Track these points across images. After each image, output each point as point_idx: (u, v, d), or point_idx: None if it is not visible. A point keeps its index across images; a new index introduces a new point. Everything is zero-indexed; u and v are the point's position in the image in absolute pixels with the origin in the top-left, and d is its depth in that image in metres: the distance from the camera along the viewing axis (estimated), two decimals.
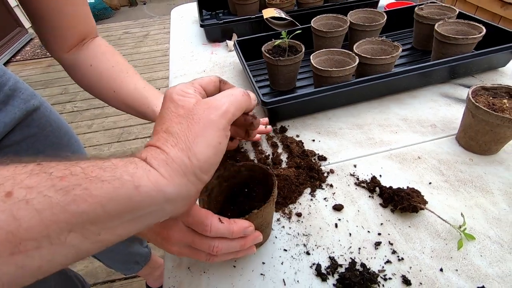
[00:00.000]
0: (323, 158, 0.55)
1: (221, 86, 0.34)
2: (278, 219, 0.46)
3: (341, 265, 0.40)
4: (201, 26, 0.95)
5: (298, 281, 0.39)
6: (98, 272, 1.35)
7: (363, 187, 0.50)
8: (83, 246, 0.20)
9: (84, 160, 0.22)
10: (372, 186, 0.49)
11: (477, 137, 0.50)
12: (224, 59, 0.90)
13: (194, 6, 1.20)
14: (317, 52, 0.66)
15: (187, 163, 0.24)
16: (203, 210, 0.32)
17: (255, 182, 0.43)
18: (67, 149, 0.70)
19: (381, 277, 0.38)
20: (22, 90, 0.59)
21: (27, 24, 3.55)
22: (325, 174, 0.52)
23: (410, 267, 0.39)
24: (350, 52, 0.65)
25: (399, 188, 0.46)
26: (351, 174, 0.52)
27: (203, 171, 0.25)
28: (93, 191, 0.20)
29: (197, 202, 0.34)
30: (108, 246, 0.22)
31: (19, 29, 3.46)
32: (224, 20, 0.95)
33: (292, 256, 0.41)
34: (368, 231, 0.43)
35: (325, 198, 0.48)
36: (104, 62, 0.53)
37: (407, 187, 0.47)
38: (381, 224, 0.44)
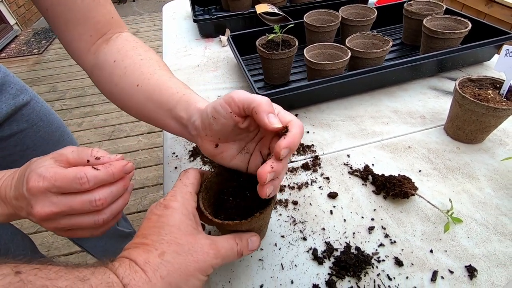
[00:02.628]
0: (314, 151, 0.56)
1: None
2: (275, 208, 0.47)
3: (336, 249, 0.41)
4: (194, 21, 0.95)
5: (296, 265, 0.40)
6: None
7: (357, 175, 0.51)
8: None
9: (64, 279, 0.23)
10: (365, 174, 0.51)
11: (464, 127, 0.53)
12: (218, 54, 0.90)
13: (186, 2, 1.20)
14: (310, 46, 0.68)
15: None
16: (70, 168, 0.30)
17: (254, 181, 0.43)
18: (58, 145, 0.69)
19: (375, 259, 0.40)
20: (12, 84, 0.58)
21: (12, 20, 3.45)
22: (318, 161, 0.53)
23: (402, 249, 0.41)
24: (343, 46, 0.66)
25: (390, 176, 0.48)
26: (344, 164, 0.53)
27: None
28: None
29: (195, 198, 0.34)
30: None
31: (3, 26, 3.36)
32: (217, 15, 0.95)
33: (289, 242, 0.43)
34: (362, 217, 0.45)
35: (320, 187, 0.50)
36: (132, 56, 0.43)
37: (399, 174, 0.49)
38: (374, 210, 0.46)
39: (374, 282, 0.38)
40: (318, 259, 0.40)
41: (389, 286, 0.37)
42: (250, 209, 0.38)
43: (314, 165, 0.53)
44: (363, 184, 0.50)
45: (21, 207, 0.30)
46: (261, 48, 0.68)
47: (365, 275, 0.38)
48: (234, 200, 0.39)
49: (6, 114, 0.56)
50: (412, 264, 0.39)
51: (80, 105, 2.36)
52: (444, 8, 0.78)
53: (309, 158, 0.55)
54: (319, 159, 0.55)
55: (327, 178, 0.51)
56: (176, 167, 0.56)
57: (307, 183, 0.51)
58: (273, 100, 0.61)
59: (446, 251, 0.40)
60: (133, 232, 1.04)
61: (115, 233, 0.95)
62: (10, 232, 0.64)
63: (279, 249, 0.42)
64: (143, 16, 3.88)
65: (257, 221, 0.35)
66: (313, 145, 0.58)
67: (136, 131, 2.08)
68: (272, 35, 0.70)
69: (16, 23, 3.53)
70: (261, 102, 0.30)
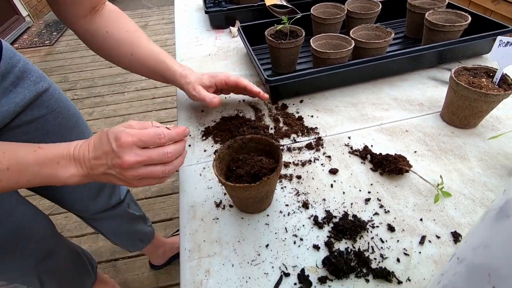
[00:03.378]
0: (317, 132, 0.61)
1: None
2: (280, 181, 0.52)
3: (335, 217, 0.46)
4: (206, 12, 1.00)
5: (298, 228, 0.45)
6: (102, 252, 1.40)
7: (356, 155, 0.55)
8: None
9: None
10: (364, 154, 0.55)
11: (458, 112, 0.57)
12: (228, 45, 0.95)
13: None
14: (316, 36, 0.72)
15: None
16: (151, 128, 0.40)
17: (261, 153, 0.48)
18: (74, 130, 0.73)
19: (370, 225, 0.44)
20: (32, 72, 0.62)
21: (24, 12, 3.53)
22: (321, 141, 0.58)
23: (395, 218, 0.45)
24: (347, 37, 0.70)
25: (387, 154, 0.52)
26: (345, 145, 0.58)
27: None
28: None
29: (211, 165, 0.43)
30: None
31: (16, 17, 3.44)
32: (228, 8, 0.99)
33: (293, 210, 0.47)
34: (360, 190, 0.49)
35: (322, 164, 0.54)
36: (120, 28, 0.57)
37: (395, 154, 0.53)
38: (371, 184, 0.50)
39: (368, 244, 0.42)
40: (318, 224, 0.45)
41: (381, 247, 0.42)
42: (258, 177, 0.42)
43: (317, 145, 0.58)
44: (361, 162, 0.54)
45: (100, 164, 0.39)
46: (270, 38, 0.72)
47: (360, 238, 0.43)
48: (243, 168, 0.44)
49: (29, 99, 0.60)
50: (403, 230, 0.44)
51: (91, 96, 2.42)
52: (447, 2, 0.81)
53: (313, 139, 0.59)
54: (322, 140, 0.59)
55: (329, 157, 0.56)
56: (189, 145, 0.60)
57: (310, 160, 0.55)
58: (280, 86, 0.66)
59: (434, 220, 0.44)
60: (143, 216, 1.10)
61: (126, 215, 1.00)
62: (33, 211, 0.69)
63: (284, 216, 0.47)
64: (152, 10, 3.92)
65: (264, 185, 0.40)
66: (316, 127, 0.62)
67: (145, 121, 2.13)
68: (280, 26, 0.74)
69: (28, 14, 3.60)
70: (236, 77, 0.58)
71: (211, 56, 0.89)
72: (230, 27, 1.02)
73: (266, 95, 0.62)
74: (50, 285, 0.77)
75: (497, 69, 0.55)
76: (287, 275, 0.40)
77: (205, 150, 0.59)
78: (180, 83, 0.60)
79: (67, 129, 0.71)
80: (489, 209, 0.21)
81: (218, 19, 1.02)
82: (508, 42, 0.52)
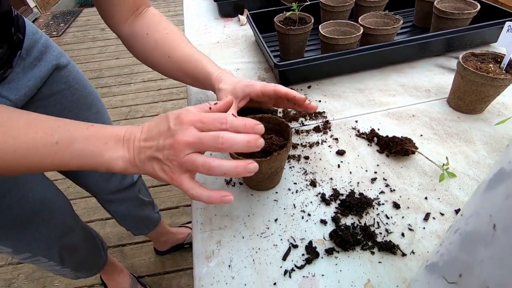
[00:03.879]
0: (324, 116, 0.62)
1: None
2: (288, 161, 0.53)
3: (342, 194, 0.47)
4: (215, 0, 1.00)
5: (306, 205, 0.46)
6: (109, 237, 1.43)
7: (363, 137, 0.57)
8: None
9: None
10: (371, 136, 0.56)
11: (464, 97, 0.57)
12: (236, 33, 0.96)
13: None
14: (325, 23, 0.73)
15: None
16: (217, 113, 0.37)
17: (270, 132, 0.49)
18: (91, 108, 0.75)
19: (376, 203, 0.46)
20: (53, 47, 0.64)
21: (32, 3, 3.55)
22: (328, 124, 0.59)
23: (400, 196, 0.46)
24: (355, 24, 0.71)
25: (394, 136, 0.54)
26: (352, 128, 0.59)
27: None
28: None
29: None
30: None
31: (24, 8, 3.47)
32: None
33: (301, 188, 0.49)
34: (366, 170, 0.51)
35: (329, 146, 0.56)
36: (160, 30, 0.55)
37: (401, 136, 0.54)
38: (377, 165, 0.51)
39: (374, 219, 0.44)
40: (325, 201, 0.46)
41: (386, 223, 0.43)
42: (269, 153, 0.44)
43: (324, 128, 0.59)
44: (368, 145, 0.55)
45: (149, 146, 0.36)
46: (279, 24, 0.73)
47: (366, 214, 0.44)
48: None
49: (50, 72, 0.62)
50: (408, 207, 0.45)
51: (98, 86, 2.44)
52: None
53: (320, 122, 0.61)
54: (329, 123, 0.60)
55: (336, 139, 0.57)
56: None
57: (318, 142, 0.56)
58: (289, 72, 0.67)
59: (439, 198, 0.46)
60: (151, 202, 1.12)
61: (136, 199, 1.02)
62: (55, 188, 0.72)
63: (292, 193, 0.48)
64: (158, 2, 3.92)
65: (275, 160, 0.42)
66: (324, 112, 0.63)
67: (151, 111, 2.16)
68: (289, 13, 0.75)
69: (36, 5, 3.63)
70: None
71: (220, 43, 0.90)
72: (239, 15, 1.02)
73: (315, 105, 0.50)
74: (68, 262, 0.80)
75: (505, 55, 0.55)
76: (295, 246, 0.41)
77: None
78: (213, 87, 0.53)
79: (83, 107, 0.72)
80: (481, 183, 0.23)
81: (227, 7, 1.03)
82: None
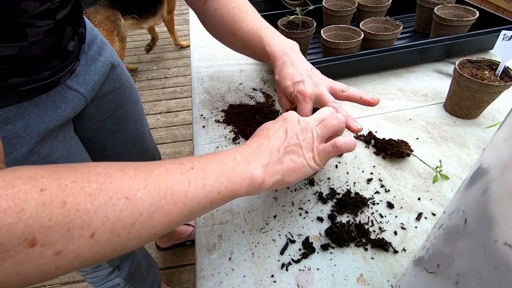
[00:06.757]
0: None
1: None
2: None
3: (339, 193, 0.49)
4: None
5: (304, 202, 0.49)
6: None
7: (361, 139, 0.59)
8: None
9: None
10: (368, 138, 0.58)
11: (460, 102, 0.59)
12: None
13: None
14: (327, 27, 0.75)
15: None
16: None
17: None
18: (136, 105, 0.76)
19: (371, 202, 0.48)
20: (107, 45, 0.65)
21: None
22: None
23: (394, 196, 0.48)
24: (357, 29, 0.73)
25: (390, 139, 0.56)
26: None
27: None
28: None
29: (224, 145, 0.44)
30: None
31: None
32: None
33: (299, 186, 0.51)
34: (363, 171, 0.53)
35: None
36: (226, 5, 0.55)
37: (397, 139, 0.56)
38: (374, 166, 0.53)
39: (368, 218, 0.46)
40: (322, 199, 0.49)
41: (380, 221, 0.45)
42: None
43: None
44: (365, 146, 0.57)
45: (280, 143, 0.39)
46: (282, 28, 0.75)
47: (361, 213, 0.46)
48: None
49: (109, 68, 0.62)
50: (402, 207, 0.47)
51: None
52: None
53: None
54: None
55: None
56: (204, 126, 0.64)
57: None
58: None
59: (431, 199, 0.48)
60: None
61: None
62: None
63: (291, 191, 0.51)
64: None
65: None
66: None
67: (154, 109, 2.18)
68: (293, 16, 0.77)
69: None
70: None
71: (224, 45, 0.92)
72: None
73: (376, 100, 0.52)
74: (123, 271, 0.80)
75: (500, 62, 0.57)
76: (293, 241, 0.44)
77: (218, 131, 0.63)
78: (273, 64, 0.50)
79: (131, 104, 0.73)
80: (463, 180, 0.25)
81: None
82: (511, 36, 0.55)
